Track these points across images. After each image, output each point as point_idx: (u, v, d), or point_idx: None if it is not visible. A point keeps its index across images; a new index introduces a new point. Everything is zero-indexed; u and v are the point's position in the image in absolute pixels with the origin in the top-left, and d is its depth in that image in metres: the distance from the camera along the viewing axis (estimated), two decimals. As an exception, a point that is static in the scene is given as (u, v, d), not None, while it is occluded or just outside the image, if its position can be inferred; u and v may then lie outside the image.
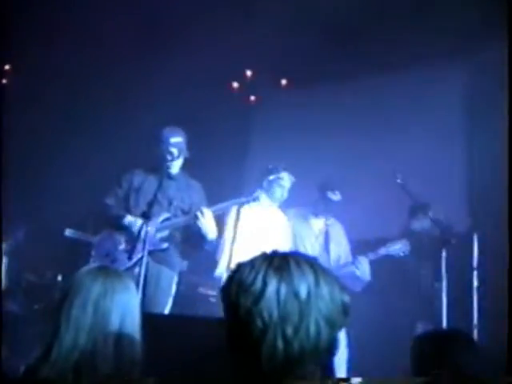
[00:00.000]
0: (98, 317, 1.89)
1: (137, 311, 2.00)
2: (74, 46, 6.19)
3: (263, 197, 4.76)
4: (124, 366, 1.86)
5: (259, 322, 1.25)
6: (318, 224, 5.14)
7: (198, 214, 4.25)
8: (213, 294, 5.81)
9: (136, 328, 1.95)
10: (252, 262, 1.33)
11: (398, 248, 4.83)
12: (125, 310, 1.94)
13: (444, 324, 4.17)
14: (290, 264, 1.31)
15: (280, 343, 1.24)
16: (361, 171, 6.17)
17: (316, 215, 5.13)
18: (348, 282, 4.57)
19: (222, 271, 4.62)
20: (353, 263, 4.83)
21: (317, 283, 1.29)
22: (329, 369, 1.48)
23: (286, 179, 4.87)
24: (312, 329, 1.25)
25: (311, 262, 1.34)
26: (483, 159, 5.77)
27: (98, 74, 6.44)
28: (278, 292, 1.26)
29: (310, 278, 1.29)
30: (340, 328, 1.32)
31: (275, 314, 1.25)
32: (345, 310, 1.33)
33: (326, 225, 5.08)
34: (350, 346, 4.60)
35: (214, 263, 5.13)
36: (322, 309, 1.27)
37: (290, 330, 1.24)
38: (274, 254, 1.36)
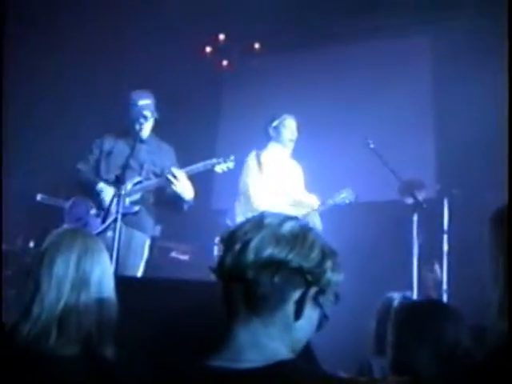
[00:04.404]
0: (79, 274, 1.92)
1: (111, 271, 2.05)
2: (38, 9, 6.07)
3: (275, 145, 4.91)
4: (104, 322, 1.91)
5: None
6: None
7: (170, 176, 4.24)
8: (185, 258, 5.83)
9: (112, 286, 2.00)
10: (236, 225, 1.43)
11: (344, 196, 4.84)
12: (103, 268, 1.98)
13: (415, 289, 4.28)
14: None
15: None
16: (332, 137, 6.21)
17: None
18: None
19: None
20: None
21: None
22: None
23: (289, 120, 4.93)
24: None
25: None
26: (452, 125, 5.85)
27: (71, 39, 6.31)
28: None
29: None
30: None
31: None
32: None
33: None
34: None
35: (186, 228, 5.12)
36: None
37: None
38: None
